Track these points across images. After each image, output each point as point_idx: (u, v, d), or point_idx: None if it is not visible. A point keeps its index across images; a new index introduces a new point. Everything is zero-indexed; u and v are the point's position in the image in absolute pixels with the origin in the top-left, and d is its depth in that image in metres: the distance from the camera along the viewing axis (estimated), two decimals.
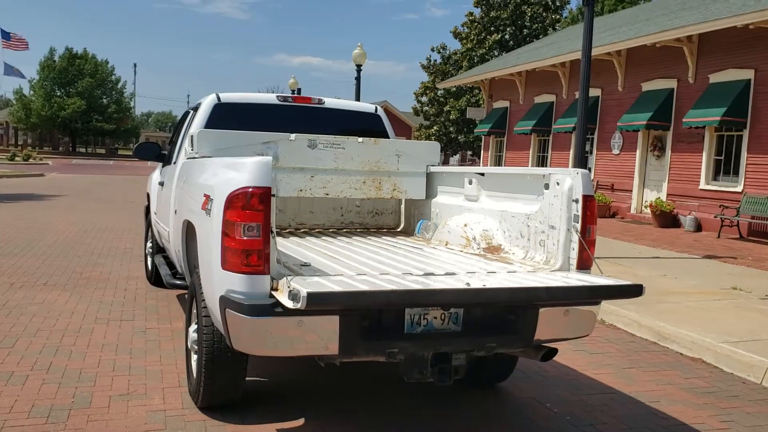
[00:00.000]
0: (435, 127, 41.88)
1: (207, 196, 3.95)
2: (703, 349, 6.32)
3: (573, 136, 21.78)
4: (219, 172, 4.03)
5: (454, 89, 38.77)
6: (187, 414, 4.47)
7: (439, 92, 41.03)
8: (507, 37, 39.23)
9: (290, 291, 3.23)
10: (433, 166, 6.16)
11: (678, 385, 5.55)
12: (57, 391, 4.76)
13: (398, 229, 6.62)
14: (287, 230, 6.26)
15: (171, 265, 6.54)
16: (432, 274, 4.00)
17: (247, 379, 4.81)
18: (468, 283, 3.61)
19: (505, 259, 4.70)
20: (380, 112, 6.79)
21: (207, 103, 6.21)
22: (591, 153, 21.61)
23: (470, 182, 5.45)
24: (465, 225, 5.19)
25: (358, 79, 25.50)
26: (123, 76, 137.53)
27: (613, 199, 20.11)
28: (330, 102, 6.63)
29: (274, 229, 3.60)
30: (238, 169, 3.66)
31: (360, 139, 5.90)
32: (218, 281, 3.65)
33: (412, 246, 5.32)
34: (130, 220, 15.42)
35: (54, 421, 4.25)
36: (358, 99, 26.00)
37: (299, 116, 6.47)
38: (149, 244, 8.40)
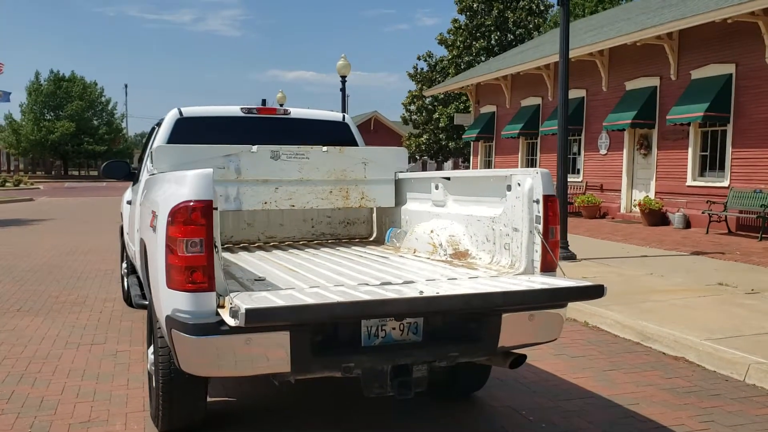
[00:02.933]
0: (425, 136, 41.83)
1: (153, 213, 3.83)
2: (685, 348, 6.19)
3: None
4: (164, 188, 3.90)
5: (442, 96, 38.72)
6: None
7: (427, 100, 40.98)
8: (493, 42, 39.24)
9: (231, 308, 3.10)
10: (401, 172, 6.04)
11: (659, 385, 5.41)
12: (15, 421, 4.61)
13: (371, 239, 6.49)
14: (256, 244, 6.13)
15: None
16: (389, 283, 3.86)
17: (212, 399, 4.68)
18: (421, 292, 3.48)
19: (472, 264, 4.57)
20: (348, 120, 6.67)
21: (169, 118, 6.10)
22: (579, 154, 21.54)
23: (437, 187, 5.33)
24: (431, 231, 5.06)
25: (343, 90, 25.47)
26: (114, 97, 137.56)
27: (602, 199, 20.01)
28: (296, 112, 6.51)
29: (219, 244, 3.47)
30: (179, 183, 3.53)
31: (324, 148, 5.78)
32: (164, 300, 3.51)
33: (378, 255, 5.19)
34: (115, 241, 15.16)
35: None
36: (344, 109, 25.94)
37: (265, 128, 6.35)
38: (125, 265, 8.26)
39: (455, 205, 5.13)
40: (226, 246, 5.99)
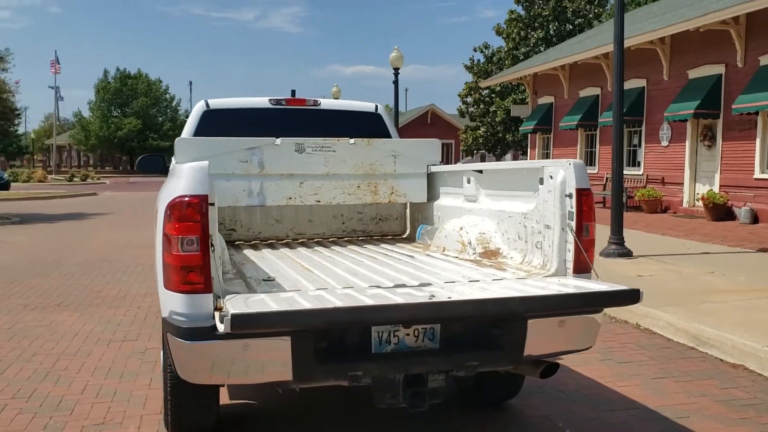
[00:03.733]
0: (482, 128, 41.15)
1: (156, 209, 3.63)
2: (745, 355, 5.69)
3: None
4: (167, 183, 3.70)
5: (499, 88, 37.99)
6: None
7: (485, 92, 40.28)
8: (551, 33, 38.28)
9: (221, 313, 2.86)
10: (434, 165, 5.71)
11: (713, 396, 4.95)
12: (30, 422, 4.51)
13: (404, 236, 6.19)
14: (284, 241, 5.91)
15: None
16: (403, 285, 3.57)
17: (226, 403, 4.49)
18: (432, 296, 3.17)
19: (501, 264, 4.23)
20: (381, 110, 6.38)
21: (196, 111, 5.93)
22: (640, 146, 20.71)
23: (468, 181, 4.99)
24: (461, 228, 4.73)
25: (395, 82, 25.26)
26: (178, 94, 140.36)
27: (664, 193, 19.15)
28: (326, 103, 6.26)
29: (218, 243, 3.24)
30: (177, 177, 3.32)
31: (352, 141, 5.50)
32: (163, 302, 3.32)
33: (404, 254, 4.89)
34: None
35: None
36: (396, 102, 25.72)
37: (294, 119, 6.12)
38: None
39: (487, 200, 4.79)
40: (252, 243, 5.79)
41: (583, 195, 3.68)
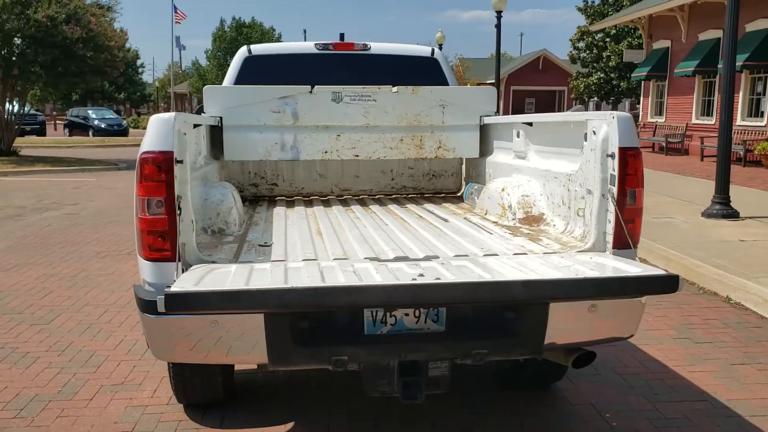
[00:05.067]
0: (595, 75, 38.96)
1: None
2: None
3: (743, 75, 19.10)
4: None
5: (614, 31, 35.67)
6: (166, 413, 3.95)
7: (598, 36, 37.97)
8: None
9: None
10: (488, 117, 5.14)
11: None
12: (54, 377, 4.45)
13: (459, 194, 5.68)
14: (327, 197, 5.54)
15: None
16: (405, 258, 3.11)
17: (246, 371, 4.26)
18: (421, 275, 2.71)
19: (539, 233, 3.69)
20: (438, 54, 5.81)
21: (238, 57, 5.61)
22: (765, 95, 18.80)
23: (518, 135, 4.42)
24: (502, 190, 4.19)
25: (498, 26, 24.12)
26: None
27: None
28: (377, 47, 5.75)
29: (189, 204, 2.90)
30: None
31: (395, 89, 5.01)
32: (140, 271, 3.04)
33: (440, 217, 4.40)
34: None
35: (23, 416, 3.91)
36: (498, 47, 24.65)
37: (342, 65, 5.67)
38: None
39: (536, 157, 4.21)
40: (293, 199, 5.46)
41: (628, 155, 3.07)
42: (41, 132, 37.97)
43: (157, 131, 2.83)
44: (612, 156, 3.10)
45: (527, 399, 4.11)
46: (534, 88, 52.64)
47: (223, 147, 4.91)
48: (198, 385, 3.71)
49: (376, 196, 5.56)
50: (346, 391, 4.20)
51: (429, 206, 4.92)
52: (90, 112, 41.38)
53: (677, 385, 4.33)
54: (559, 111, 46.88)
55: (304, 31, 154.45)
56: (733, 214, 9.62)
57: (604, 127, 3.16)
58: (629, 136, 3.07)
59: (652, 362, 4.71)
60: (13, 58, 19.80)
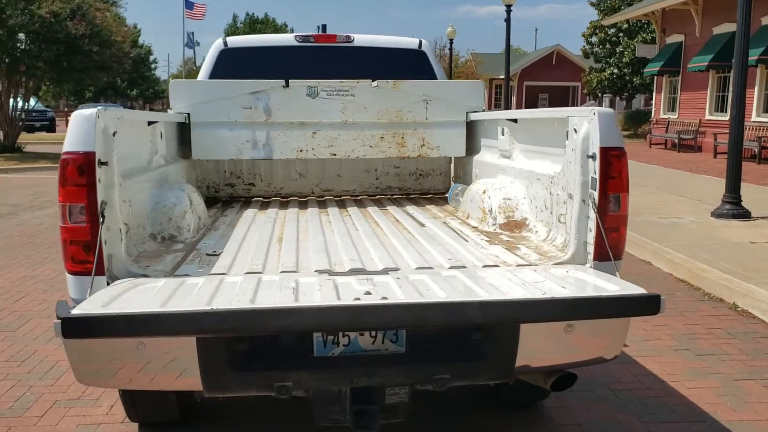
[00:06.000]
0: (608, 70, 38.37)
1: None
2: None
3: (758, 70, 18.60)
4: None
5: (626, 26, 35.10)
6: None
7: (611, 31, 37.40)
8: None
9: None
10: (475, 113, 4.81)
11: None
12: (7, 391, 4.19)
13: (447, 194, 5.35)
14: (306, 198, 5.24)
15: None
16: (362, 271, 2.81)
17: None
18: (368, 292, 2.40)
19: (518, 241, 3.38)
20: (426, 47, 5.49)
21: (213, 49, 5.32)
22: None
23: (503, 132, 4.10)
24: (483, 192, 3.87)
25: (507, 21, 23.70)
26: None
27: None
28: (361, 39, 5.44)
29: (119, 210, 2.61)
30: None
31: (374, 83, 4.70)
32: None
33: (417, 221, 4.08)
34: None
35: None
36: (508, 42, 24.22)
37: (323, 58, 5.37)
38: None
39: (521, 157, 3.90)
40: (271, 200, 5.17)
41: (611, 156, 2.75)
42: (51, 128, 37.92)
43: (77, 130, 2.55)
44: (593, 157, 2.78)
45: (506, 420, 3.79)
46: (547, 84, 52.07)
47: (191, 145, 4.62)
48: (149, 404, 3.43)
49: (359, 197, 5.26)
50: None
51: (411, 209, 4.61)
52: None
53: (674, 404, 3.99)
54: (573, 107, 46.30)
55: (318, 27, 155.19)
56: (745, 214, 9.23)
57: (585, 124, 2.84)
58: (612, 135, 2.75)
59: (648, 377, 4.37)
60: (17, 54, 19.67)
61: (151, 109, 71.91)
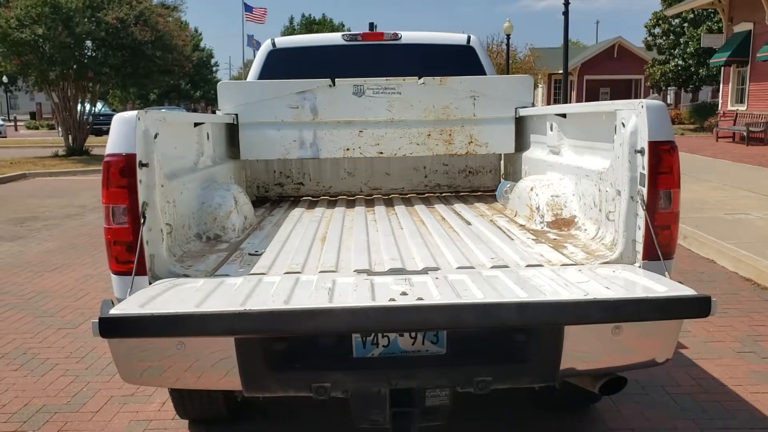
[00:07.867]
0: (672, 62, 37.27)
1: None
2: None
3: None
4: None
5: (692, 16, 34.00)
6: (168, 429, 3.75)
7: (675, 21, 36.31)
8: None
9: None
10: (524, 108, 4.71)
11: None
12: (67, 386, 4.32)
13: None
14: (355, 197, 5.24)
15: None
16: (401, 271, 2.77)
17: None
18: (404, 293, 2.36)
19: (566, 240, 3.28)
20: (474, 42, 5.41)
21: (262, 50, 5.38)
22: None
23: (551, 128, 4.00)
24: (531, 189, 3.78)
25: (565, 14, 23.30)
26: None
27: None
28: (409, 36, 5.40)
29: (160, 212, 2.64)
30: None
31: (421, 80, 4.65)
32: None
33: (464, 219, 4.02)
34: None
35: (25, 429, 3.77)
36: (566, 35, 23.81)
37: (372, 57, 5.36)
38: None
39: (570, 153, 3.79)
40: (320, 199, 5.18)
41: (661, 150, 2.64)
42: None
43: (119, 132, 2.59)
44: (641, 152, 2.67)
45: (556, 423, 3.70)
46: (608, 77, 50.87)
47: (239, 146, 4.67)
48: (197, 402, 3.48)
49: (407, 196, 5.22)
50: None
51: (458, 207, 4.55)
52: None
53: (735, 409, 3.82)
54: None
55: (370, 25, 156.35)
56: None
57: (633, 118, 2.73)
58: (662, 128, 2.64)
59: (708, 380, 4.20)
60: (85, 61, 20.33)
61: (213, 111, 73.66)
